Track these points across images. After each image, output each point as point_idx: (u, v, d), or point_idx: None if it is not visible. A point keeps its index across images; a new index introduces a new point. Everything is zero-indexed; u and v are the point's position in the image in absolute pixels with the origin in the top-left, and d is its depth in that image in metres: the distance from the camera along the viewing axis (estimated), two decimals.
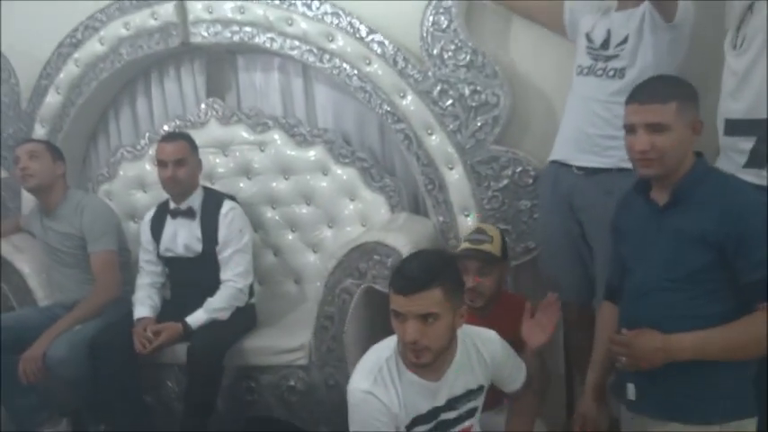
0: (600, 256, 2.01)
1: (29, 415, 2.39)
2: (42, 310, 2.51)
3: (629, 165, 1.96)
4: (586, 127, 2.06)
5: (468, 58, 2.37)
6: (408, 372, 1.52)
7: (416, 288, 1.42)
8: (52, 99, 2.87)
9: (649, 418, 1.52)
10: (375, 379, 1.50)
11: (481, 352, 1.60)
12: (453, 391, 1.56)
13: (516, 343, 1.76)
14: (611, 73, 2.03)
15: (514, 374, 1.68)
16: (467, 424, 1.62)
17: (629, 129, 1.53)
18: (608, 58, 2.05)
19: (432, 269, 1.46)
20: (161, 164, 2.37)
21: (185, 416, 2.22)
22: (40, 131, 2.90)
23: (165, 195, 2.66)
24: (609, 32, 2.07)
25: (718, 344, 1.41)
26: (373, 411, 1.48)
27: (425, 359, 1.46)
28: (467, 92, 2.39)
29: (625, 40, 2.02)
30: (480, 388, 1.62)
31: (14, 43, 2.89)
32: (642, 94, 1.51)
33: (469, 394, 1.60)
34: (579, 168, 2.08)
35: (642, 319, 1.48)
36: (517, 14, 2.41)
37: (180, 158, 2.35)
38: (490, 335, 1.64)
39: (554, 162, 2.18)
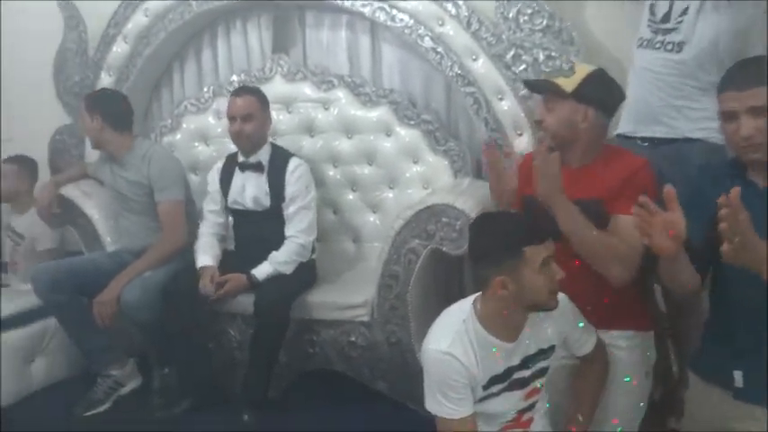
0: None
1: (98, 355, 2.47)
2: (111, 255, 2.57)
3: (694, 135, 1.97)
4: (649, 98, 2.02)
5: (544, 22, 2.34)
6: (485, 333, 1.54)
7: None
8: (119, 48, 2.90)
9: (759, 407, 1.44)
10: (453, 340, 1.51)
11: (553, 313, 1.61)
12: (527, 351, 1.58)
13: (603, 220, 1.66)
14: (669, 47, 1.99)
15: (585, 336, 1.67)
16: (537, 383, 1.65)
17: (729, 116, 1.46)
18: (667, 32, 2.00)
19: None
20: (230, 118, 2.39)
21: (250, 367, 2.28)
22: (106, 80, 2.94)
23: (226, 148, 2.70)
24: (671, 5, 2.01)
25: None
26: (451, 372, 1.50)
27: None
28: (541, 57, 2.36)
29: (685, 12, 1.97)
30: (551, 348, 1.63)
31: None
32: (738, 79, 1.43)
33: (541, 353, 1.61)
34: (643, 140, 2.05)
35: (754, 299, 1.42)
36: None
37: (248, 113, 2.37)
38: (562, 297, 1.65)
39: (619, 135, 2.15)
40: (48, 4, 3.01)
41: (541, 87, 1.86)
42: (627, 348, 1.75)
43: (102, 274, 2.41)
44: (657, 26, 2.03)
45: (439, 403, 1.51)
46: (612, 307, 1.70)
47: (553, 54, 2.34)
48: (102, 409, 2.42)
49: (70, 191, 2.68)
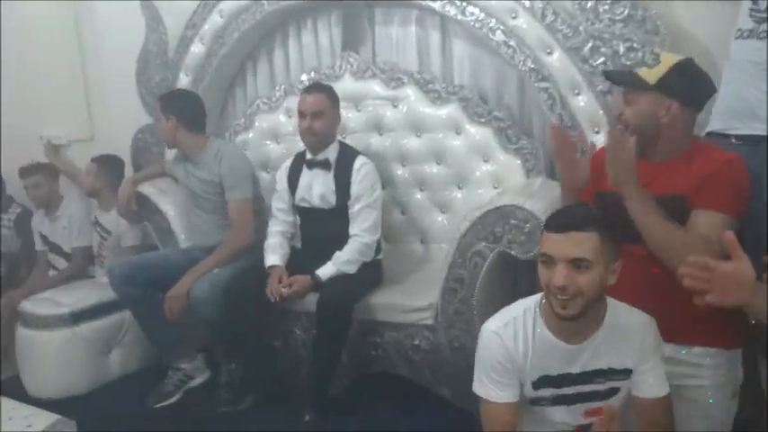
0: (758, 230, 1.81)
1: (169, 348, 2.55)
2: (183, 251, 2.65)
3: None
4: (746, 92, 1.84)
5: (626, 11, 2.18)
6: (545, 328, 1.47)
7: (573, 225, 1.37)
8: (196, 49, 2.97)
9: None
10: (507, 324, 1.50)
11: (632, 333, 1.49)
12: (593, 364, 1.47)
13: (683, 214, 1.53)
14: None
15: (652, 377, 1.49)
16: (606, 403, 1.53)
17: None
18: None
19: (591, 213, 1.43)
20: (300, 114, 2.39)
21: (312, 364, 2.28)
22: (184, 80, 3.03)
23: (297, 147, 2.70)
24: None
25: None
26: (495, 353, 1.48)
27: (573, 309, 1.39)
28: (621, 49, 2.20)
29: None
30: (625, 371, 1.51)
31: None
32: None
33: (611, 373, 1.50)
34: (738, 138, 1.87)
35: None
36: None
37: (318, 111, 2.36)
38: (646, 319, 1.51)
39: (710, 134, 1.97)
40: (131, 5, 3.12)
41: (622, 79, 1.75)
42: (711, 367, 1.60)
43: (174, 269, 2.47)
44: (761, 15, 1.84)
45: (481, 383, 1.51)
46: (696, 320, 1.55)
47: (635, 45, 2.18)
48: (172, 401, 2.49)
49: (147, 188, 2.78)
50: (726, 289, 1.15)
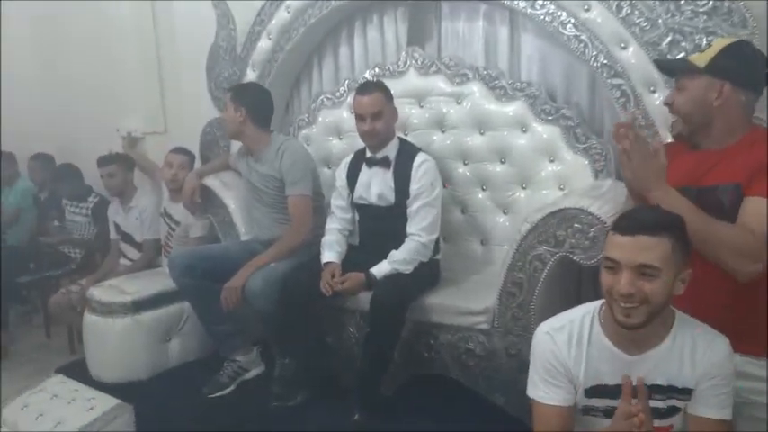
0: None
1: (225, 340, 2.57)
2: (243, 244, 2.67)
3: None
4: None
5: (710, 3, 2.02)
6: (602, 335, 1.41)
7: (643, 229, 1.29)
8: (264, 44, 2.99)
9: None
10: (563, 326, 1.46)
11: (698, 350, 1.37)
12: (653, 378, 1.38)
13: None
14: None
15: (714, 397, 1.37)
16: (665, 422, 1.41)
17: None
18: None
19: (664, 217, 1.35)
20: (359, 117, 2.35)
21: (363, 363, 2.24)
22: (251, 75, 3.06)
23: (359, 143, 2.67)
24: None
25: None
26: (547, 353, 1.45)
27: (636, 318, 1.31)
28: (704, 43, 2.04)
29: None
30: (686, 390, 1.39)
31: None
32: None
33: (671, 391, 1.39)
34: None
35: None
36: None
37: (377, 111, 2.32)
38: (719, 338, 1.38)
39: None
40: (202, 2, 3.18)
41: (674, 66, 1.69)
42: (758, 378, 1.48)
43: (232, 261, 2.49)
44: None
45: (534, 384, 1.47)
46: (742, 324, 1.43)
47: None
48: (226, 391, 2.51)
49: (211, 181, 2.82)
50: None
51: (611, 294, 1.33)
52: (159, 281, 2.80)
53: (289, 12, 2.88)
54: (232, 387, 2.53)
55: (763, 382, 1.47)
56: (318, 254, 2.44)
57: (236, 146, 3.04)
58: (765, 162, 1.43)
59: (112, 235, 3.42)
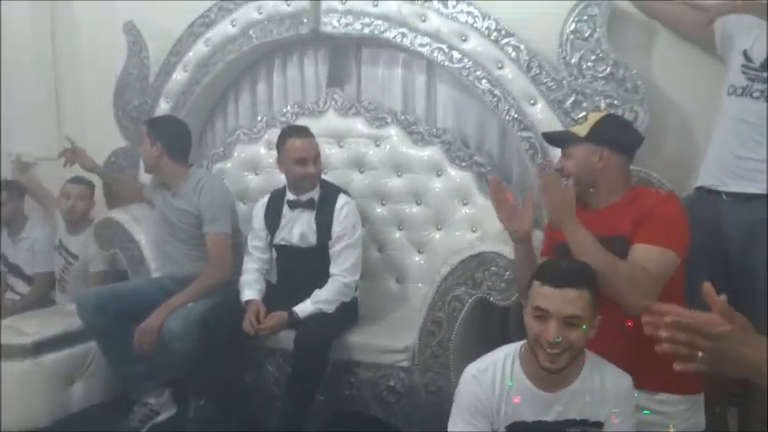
0: (752, 289, 1.88)
1: (137, 383, 2.47)
2: (155, 282, 2.59)
3: None
4: (739, 151, 1.94)
5: (608, 69, 2.27)
6: (522, 376, 1.53)
7: (570, 282, 1.43)
8: (179, 76, 2.94)
9: None
10: (486, 368, 1.56)
11: (607, 387, 1.53)
12: (567, 413, 1.52)
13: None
14: None
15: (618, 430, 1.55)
16: None
17: None
18: None
19: (585, 270, 1.49)
20: (300, 161, 2.35)
21: (287, 403, 2.24)
22: (164, 106, 2.99)
23: (276, 179, 2.69)
24: None
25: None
26: (471, 395, 1.56)
27: (561, 363, 1.44)
28: (602, 105, 2.28)
29: None
30: (597, 423, 1.54)
31: (147, 18, 2.99)
32: None
33: (585, 425, 1.54)
34: (729, 195, 1.96)
35: None
36: (663, 24, 2.30)
37: (317, 154, 2.38)
38: (622, 374, 1.55)
39: (700, 188, 2.05)
40: (112, 24, 3.08)
41: (558, 137, 1.93)
42: (673, 415, 1.66)
43: (144, 300, 2.41)
44: (756, 73, 1.94)
45: (454, 421, 1.58)
46: (657, 365, 1.59)
47: (615, 102, 2.26)
48: None
49: (120, 215, 2.73)
50: (722, 356, 0.96)
51: (538, 341, 1.45)
52: (60, 320, 2.64)
53: (208, 45, 2.86)
54: (143, 431, 2.43)
55: (659, 416, 1.64)
56: (236, 292, 2.42)
57: (144, 177, 2.97)
58: (646, 212, 1.64)
59: None
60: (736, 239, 1.93)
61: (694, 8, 2.19)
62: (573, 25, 2.29)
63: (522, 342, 1.56)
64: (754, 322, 0.98)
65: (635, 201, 1.71)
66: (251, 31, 2.77)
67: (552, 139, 1.98)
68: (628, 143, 1.80)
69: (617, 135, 1.79)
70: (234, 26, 2.79)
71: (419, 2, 2.49)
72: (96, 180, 3.10)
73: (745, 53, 1.98)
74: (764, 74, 1.92)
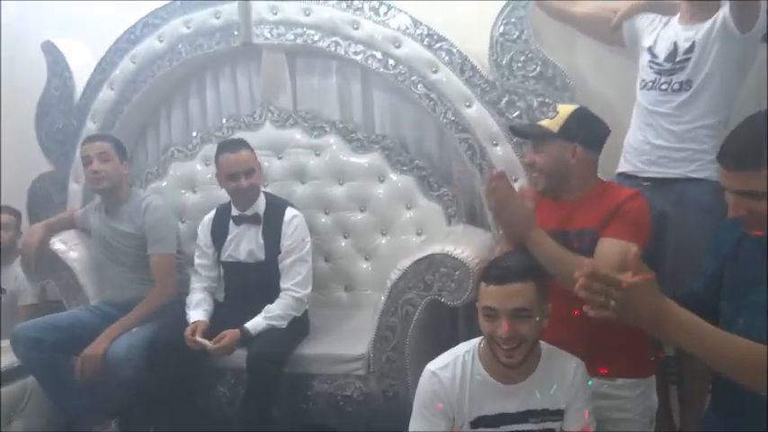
0: (670, 266, 1.98)
1: (80, 415, 2.36)
2: (92, 310, 2.49)
3: (698, 174, 1.99)
4: (653, 139, 2.07)
5: (538, 69, 2.35)
6: (482, 369, 1.56)
7: (513, 278, 1.47)
8: (105, 95, 2.85)
9: None
10: (446, 365, 1.58)
11: (564, 374, 1.57)
12: (528, 405, 1.55)
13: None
14: (677, 86, 2.03)
15: (578, 415, 1.57)
16: None
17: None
18: (672, 72, 2.04)
19: (526, 263, 1.55)
20: (231, 176, 2.31)
21: (243, 422, 2.18)
22: (90, 126, 2.88)
23: (214, 196, 2.64)
24: (675, 45, 2.05)
25: (713, 343, 1.18)
26: (432, 393, 1.56)
27: (518, 357, 1.48)
28: (535, 103, 2.36)
29: (690, 50, 2.01)
30: (558, 412, 1.59)
31: (68, 36, 2.88)
32: (728, 158, 1.26)
33: (546, 414, 1.57)
34: (646, 179, 2.07)
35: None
36: (574, 28, 2.40)
37: (250, 168, 2.32)
38: (575, 361, 1.60)
39: (620, 174, 2.16)
40: (29, 44, 2.96)
41: (528, 132, 1.93)
42: (632, 398, 1.72)
43: (83, 329, 2.32)
44: (661, 67, 2.06)
45: (415, 420, 1.59)
46: (614, 351, 1.67)
47: (547, 100, 2.34)
48: None
49: (53, 243, 2.59)
50: (629, 304, 1.11)
51: (492, 339, 1.49)
52: None
53: (135, 62, 2.78)
54: None
55: (618, 400, 1.70)
56: (181, 313, 2.35)
57: (74, 202, 2.85)
58: (613, 208, 1.69)
59: None
60: (654, 221, 2.03)
61: (602, 11, 2.30)
62: (501, 28, 2.36)
63: (480, 338, 1.59)
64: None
65: (603, 196, 1.75)
66: (179, 46, 2.72)
67: (520, 132, 2.00)
68: (598, 137, 1.83)
69: (588, 130, 1.81)
70: (161, 41, 2.73)
71: (351, 10, 2.50)
72: (24, 207, 2.96)
73: (650, 50, 2.11)
74: (668, 66, 2.04)
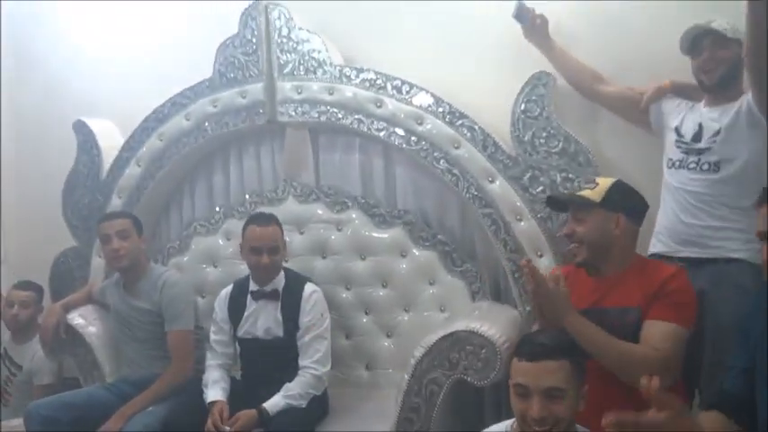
0: (707, 353, 1.90)
1: None
2: (109, 387, 2.44)
3: (737, 255, 1.93)
4: (686, 218, 2.03)
5: (560, 145, 2.35)
6: None
7: (546, 354, 1.40)
8: (132, 171, 2.89)
9: None
10: None
11: None
12: None
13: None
14: (705, 167, 2.01)
15: None
16: None
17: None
18: (700, 152, 2.03)
19: (561, 340, 1.49)
20: (254, 250, 2.29)
21: None
22: (116, 202, 2.92)
23: (236, 271, 2.62)
24: (700, 126, 2.05)
25: None
26: None
27: None
28: (558, 179, 2.35)
29: (717, 133, 2.00)
30: None
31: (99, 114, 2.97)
32: None
33: None
34: (682, 260, 2.01)
35: None
36: (602, 106, 2.42)
37: (275, 245, 2.31)
38: None
39: (653, 255, 2.11)
40: (59, 119, 3.05)
41: (568, 201, 1.91)
42: None
43: (100, 408, 2.27)
44: (689, 146, 2.05)
45: None
46: None
47: (570, 176, 2.34)
48: None
49: (71, 318, 2.57)
50: None
51: (524, 420, 1.41)
52: None
53: (162, 140, 2.84)
54: None
55: None
56: (198, 390, 2.29)
57: (96, 277, 2.85)
58: (658, 287, 1.65)
59: None
60: None
61: (629, 92, 2.31)
62: (523, 105, 2.39)
63: (512, 420, 1.52)
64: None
65: (643, 272, 1.72)
66: (206, 124, 2.77)
67: (559, 202, 1.99)
68: (639, 209, 1.84)
69: (630, 201, 1.82)
70: (188, 120, 2.79)
71: (374, 88, 2.55)
72: (45, 282, 2.96)
73: (676, 130, 2.12)
74: (695, 146, 2.04)
